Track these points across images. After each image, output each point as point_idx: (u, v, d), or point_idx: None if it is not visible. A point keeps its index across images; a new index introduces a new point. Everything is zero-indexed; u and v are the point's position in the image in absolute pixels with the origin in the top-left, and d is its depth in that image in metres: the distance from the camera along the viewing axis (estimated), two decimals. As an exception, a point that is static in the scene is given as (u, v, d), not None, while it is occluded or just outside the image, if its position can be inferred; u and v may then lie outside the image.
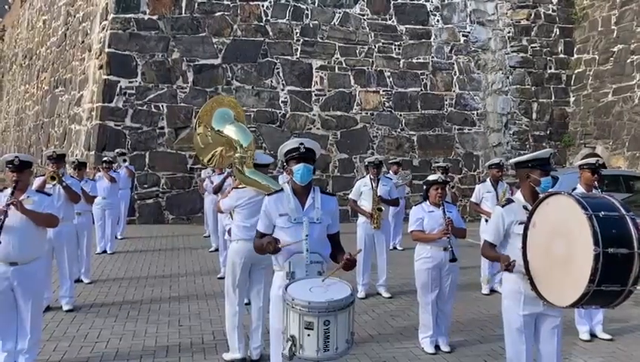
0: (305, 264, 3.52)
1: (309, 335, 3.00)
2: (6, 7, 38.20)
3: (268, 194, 3.83)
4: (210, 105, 5.69)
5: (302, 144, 3.63)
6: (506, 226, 3.83)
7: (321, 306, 3.00)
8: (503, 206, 3.93)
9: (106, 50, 14.11)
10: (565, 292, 3.33)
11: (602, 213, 3.18)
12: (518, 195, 3.93)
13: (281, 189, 3.79)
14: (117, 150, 12.39)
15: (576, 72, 16.87)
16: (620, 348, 5.62)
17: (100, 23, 15.15)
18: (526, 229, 3.62)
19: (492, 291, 7.77)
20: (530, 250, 3.60)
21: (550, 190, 3.73)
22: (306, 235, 3.55)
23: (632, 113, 14.79)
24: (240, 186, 5.32)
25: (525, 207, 3.77)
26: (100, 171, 10.35)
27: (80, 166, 7.98)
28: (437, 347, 5.47)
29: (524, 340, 3.80)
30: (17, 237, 4.47)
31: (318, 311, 2.99)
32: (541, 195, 3.66)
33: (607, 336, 5.83)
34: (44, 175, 6.72)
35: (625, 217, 3.21)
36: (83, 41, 17.05)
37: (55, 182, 6.59)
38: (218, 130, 5.49)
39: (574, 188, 5.75)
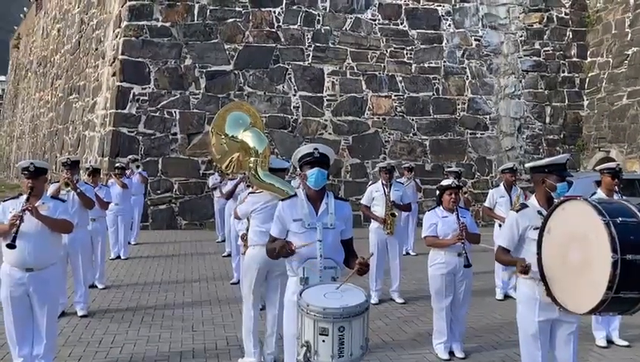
0: (319, 269, 3.52)
1: (323, 341, 2.99)
2: (21, 15, 38.71)
3: (282, 199, 3.82)
4: (224, 111, 5.71)
5: (316, 149, 3.64)
6: (520, 231, 3.80)
7: (335, 312, 2.99)
8: (517, 211, 3.89)
9: (120, 57, 14.24)
10: (582, 299, 3.28)
11: (620, 218, 3.14)
12: (533, 200, 3.89)
13: (295, 194, 3.79)
14: (129, 156, 12.48)
15: (589, 75, 16.75)
16: (638, 354, 5.54)
17: (114, 31, 15.31)
18: (541, 235, 3.59)
19: (506, 296, 7.70)
20: (546, 255, 3.57)
21: (566, 195, 3.69)
22: (320, 240, 3.55)
23: (647, 116, 14.64)
24: (256, 191, 5.32)
25: (540, 212, 3.73)
26: (112, 178, 10.42)
27: (94, 172, 8.05)
28: (451, 353, 5.43)
29: (540, 346, 3.76)
30: (33, 243, 4.50)
31: (333, 317, 2.98)
32: (556, 200, 3.62)
33: (624, 343, 5.75)
34: (58, 181, 6.77)
35: None
36: (97, 49, 17.23)
37: (69, 188, 6.64)
38: (232, 136, 5.49)
39: (594, 193, 5.70)
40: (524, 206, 3.92)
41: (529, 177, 15.40)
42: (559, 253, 3.46)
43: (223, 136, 5.54)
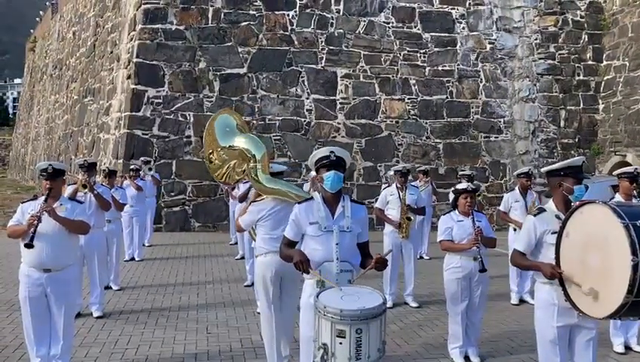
0: (335, 273, 3.52)
1: (341, 343, 2.99)
2: (37, 19, 39.15)
3: (298, 203, 3.82)
4: (208, 131, 5.54)
5: (332, 152, 3.65)
6: (538, 236, 3.76)
7: (353, 314, 2.99)
8: (535, 215, 3.84)
9: (134, 60, 14.36)
10: (602, 303, 3.25)
11: (639, 221, 3.11)
12: (551, 204, 3.84)
13: (312, 198, 3.80)
14: (142, 158, 12.53)
15: (605, 78, 16.59)
16: (656, 361, 5.48)
17: (129, 34, 15.43)
18: (559, 239, 3.55)
19: (521, 301, 7.66)
20: (564, 260, 3.53)
21: (584, 199, 3.65)
22: (337, 243, 3.55)
23: (663, 120, 14.47)
24: (258, 199, 5.16)
25: (558, 216, 3.69)
26: (126, 180, 10.49)
27: (110, 174, 8.14)
28: (466, 358, 5.40)
29: (558, 352, 3.70)
30: (50, 244, 4.55)
31: (351, 319, 2.98)
32: (574, 204, 3.58)
33: (643, 349, 5.69)
34: (74, 183, 6.84)
35: None
36: (112, 52, 17.38)
37: (86, 190, 6.70)
38: (230, 146, 5.31)
39: (612, 198, 5.65)
40: (541, 210, 3.87)
41: (544, 181, 15.23)
42: (578, 257, 3.42)
43: (220, 150, 5.36)
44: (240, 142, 5.31)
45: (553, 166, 3.93)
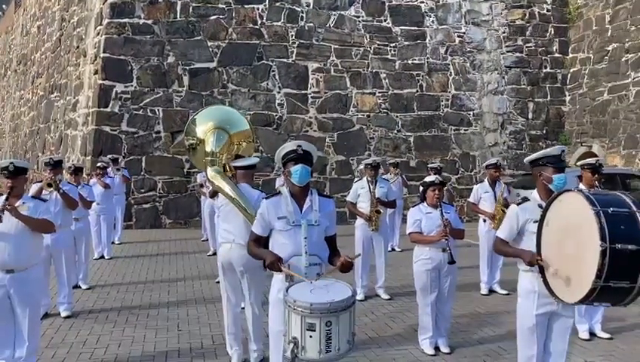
0: (304, 266, 3.52)
1: (311, 336, 3.00)
2: (0, 13, 38.13)
3: (265, 198, 3.81)
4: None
5: (299, 146, 3.64)
6: (520, 224, 3.84)
7: (323, 307, 3.00)
8: (518, 204, 3.92)
9: (101, 55, 14.09)
10: (574, 288, 3.32)
11: (611, 208, 3.17)
12: (534, 194, 3.92)
13: (279, 192, 3.78)
14: (109, 155, 12.31)
15: (571, 71, 16.92)
16: (619, 346, 5.62)
17: (95, 28, 15.13)
18: (540, 227, 3.62)
19: (491, 291, 7.78)
20: (544, 247, 3.60)
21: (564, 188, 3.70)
22: (305, 237, 3.55)
23: (627, 111, 14.83)
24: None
25: (540, 206, 3.74)
26: (93, 177, 10.30)
27: (77, 171, 7.96)
28: (437, 348, 5.46)
29: (536, 339, 3.81)
30: (13, 244, 4.44)
31: (320, 312, 2.99)
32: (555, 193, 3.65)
33: (607, 335, 5.84)
34: (40, 181, 6.69)
35: (635, 214, 3.17)
36: (78, 47, 17.02)
37: (52, 188, 6.55)
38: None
39: (576, 188, 5.76)
40: (525, 199, 3.94)
41: (512, 172, 15.48)
42: (556, 244, 3.50)
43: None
44: (208, 135, 5.43)
45: (533, 156, 3.99)
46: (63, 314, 6.58)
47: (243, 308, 5.30)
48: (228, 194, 5.13)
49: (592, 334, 5.84)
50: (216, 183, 5.34)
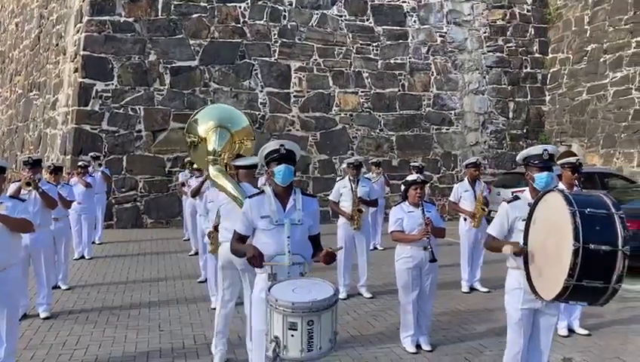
0: (287, 266, 3.52)
1: (292, 335, 3.00)
2: (-23, 9, 37.44)
3: (249, 197, 3.81)
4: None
5: (282, 145, 3.64)
6: (510, 222, 3.92)
7: (304, 306, 3.00)
8: (508, 202, 4.00)
9: (81, 52, 13.92)
10: (550, 286, 3.40)
11: (588, 209, 3.23)
12: (526, 193, 4.00)
13: (262, 191, 3.78)
14: (90, 154, 12.19)
15: (551, 71, 17.13)
16: (597, 342, 5.71)
17: (75, 26, 14.93)
18: (527, 225, 3.70)
19: (472, 289, 7.85)
20: (530, 244, 3.68)
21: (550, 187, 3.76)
22: (288, 237, 3.55)
23: (605, 111, 15.06)
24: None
25: (529, 204, 3.81)
26: (74, 176, 10.18)
27: (56, 170, 7.84)
28: (418, 346, 5.49)
29: (523, 334, 3.92)
30: (-10, 244, 4.38)
31: (302, 311, 2.99)
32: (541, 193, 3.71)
33: (585, 331, 5.92)
34: (19, 180, 6.59)
35: (614, 215, 3.23)
36: (57, 44, 16.78)
37: (31, 188, 6.46)
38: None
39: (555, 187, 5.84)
40: (516, 198, 4.02)
41: (492, 171, 15.60)
42: (541, 242, 3.57)
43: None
44: (210, 134, 5.45)
45: (518, 155, 4.11)
46: (42, 315, 6.49)
47: (237, 304, 5.30)
48: (230, 193, 5.08)
49: (571, 330, 5.92)
50: (219, 182, 5.29)
